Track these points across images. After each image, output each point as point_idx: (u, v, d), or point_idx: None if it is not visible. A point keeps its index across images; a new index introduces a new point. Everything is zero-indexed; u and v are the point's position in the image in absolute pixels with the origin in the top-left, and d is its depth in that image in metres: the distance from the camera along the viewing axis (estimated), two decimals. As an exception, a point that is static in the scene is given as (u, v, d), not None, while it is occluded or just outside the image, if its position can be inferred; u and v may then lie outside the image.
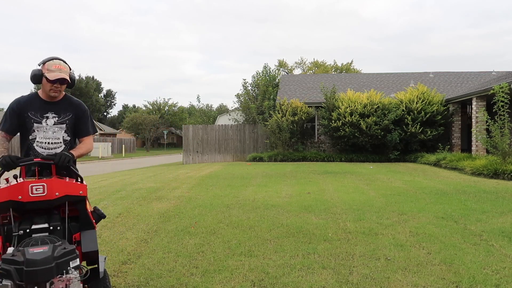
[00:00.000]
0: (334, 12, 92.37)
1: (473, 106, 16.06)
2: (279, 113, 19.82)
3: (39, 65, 2.90)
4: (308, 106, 20.36)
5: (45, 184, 2.47)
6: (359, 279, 3.48)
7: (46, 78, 2.85)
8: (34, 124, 2.89)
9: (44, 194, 2.46)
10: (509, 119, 12.14)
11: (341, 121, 18.45)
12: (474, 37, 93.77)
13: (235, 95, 31.51)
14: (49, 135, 2.91)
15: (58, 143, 2.94)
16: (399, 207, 6.60)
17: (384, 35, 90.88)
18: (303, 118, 19.92)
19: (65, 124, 2.97)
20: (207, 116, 35.14)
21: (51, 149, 2.92)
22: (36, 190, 2.45)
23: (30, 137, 2.88)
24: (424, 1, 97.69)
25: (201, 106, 37.52)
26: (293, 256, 4.16)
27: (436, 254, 4.14)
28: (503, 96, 12.00)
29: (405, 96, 18.81)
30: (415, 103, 18.30)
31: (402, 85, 22.75)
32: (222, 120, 36.58)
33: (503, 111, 12.02)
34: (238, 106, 27.79)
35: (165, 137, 57.67)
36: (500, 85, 12.38)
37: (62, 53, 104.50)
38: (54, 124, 2.92)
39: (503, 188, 8.82)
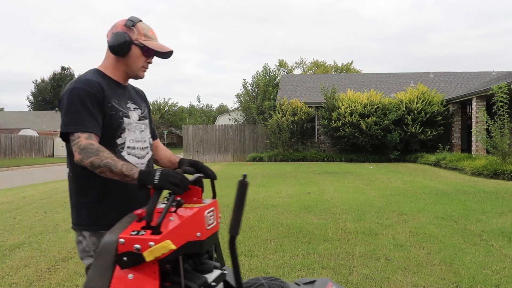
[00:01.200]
0: (334, 12, 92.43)
1: (473, 106, 16.06)
2: (279, 113, 19.82)
3: (127, 26, 1.82)
4: (308, 106, 20.36)
5: (213, 209, 1.85)
6: (359, 279, 3.48)
7: (143, 48, 1.86)
8: (124, 119, 1.83)
9: (214, 224, 1.80)
10: (508, 119, 12.14)
11: (341, 121, 18.45)
12: (474, 37, 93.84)
13: (235, 95, 31.58)
14: (137, 136, 1.89)
15: (146, 148, 1.94)
16: (399, 207, 6.60)
17: (384, 35, 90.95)
18: (303, 118, 19.92)
19: (148, 120, 2.01)
20: (207, 116, 35.17)
21: (141, 157, 1.90)
22: (209, 220, 1.77)
23: (119, 141, 1.80)
24: (424, 1, 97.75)
25: (201, 106, 37.61)
26: (293, 256, 4.16)
27: (436, 254, 4.14)
28: (502, 96, 12.01)
29: (405, 96, 18.82)
30: (415, 103, 18.30)
31: (402, 85, 22.75)
32: (222, 120, 36.59)
33: (503, 111, 12.03)
34: (238, 106, 27.80)
35: (165, 137, 57.65)
36: (499, 85, 12.38)
37: (62, 53, 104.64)
38: (138, 120, 1.92)
39: (503, 188, 8.82)
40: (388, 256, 4.09)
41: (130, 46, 1.81)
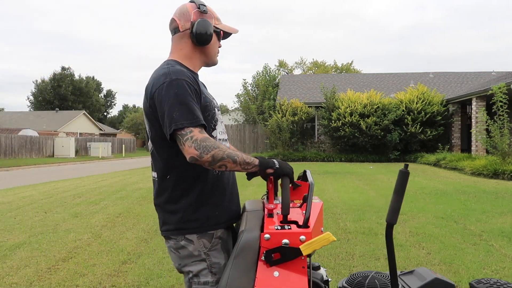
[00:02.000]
0: (335, 13, 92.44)
1: (473, 106, 16.06)
2: (279, 113, 19.82)
3: (203, 11, 1.68)
4: (308, 106, 20.36)
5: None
6: (359, 279, 3.48)
7: (219, 33, 1.77)
8: (216, 110, 1.76)
9: None
10: (508, 119, 12.15)
11: (341, 121, 18.45)
12: (474, 37, 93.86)
13: (235, 95, 31.61)
14: (222, 128, 1.82)
15: (227, 140, 1.86)
16: (399, 207, 6.59)
17: (384, 36, 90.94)
18: (303, 118, 19.92)
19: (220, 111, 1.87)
20: (207, 116, 35.14)
21: None
22: None
23: (214, 133, 1.71)
24: (425, 1, 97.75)
25: (201, 106, 37.53)
26: (293, 256, 4.16)
27: (436, 254, 4.14)
28: (501, 97, 12.01)
29: (405, 96, 18.82)
30: (415, 103, 18.31)
31: (402, 85, 22.76)
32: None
33: (502, 111, 12.03)
34: (238, 106, 27.82)
35: (165, 137, 57.69)
36: (498, 85, 12.39)
37: (63, 53, 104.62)
38: (218, 111, 1.82)
39: (503, 188, 8.82)
40: (388, 256, 4.09)
41: (212, 34, 1.69)
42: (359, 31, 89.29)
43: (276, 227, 1.50)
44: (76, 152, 34.21)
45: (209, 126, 1.66)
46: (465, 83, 22.69)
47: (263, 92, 24.64)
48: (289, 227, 1.49)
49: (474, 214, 6.01)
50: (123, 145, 41.53)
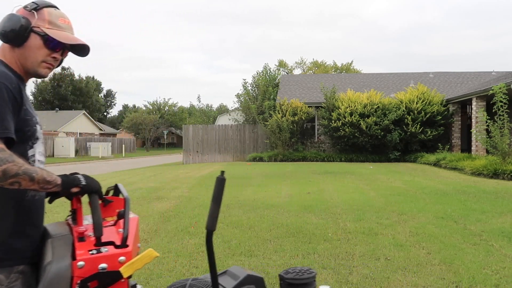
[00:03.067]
0: (335, 13, 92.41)
1: (473, 106, 16.06)
2: (279, 113, 19.82)
3: (28, 9, 1.49)
4: (308, 106, 20.36)
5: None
6: (359, 279, 3.48)
7: (45, 38, 1.48)
8: (37, 127, 1.52)
9: None
10: (508, 119, 12.15)
11: (341, 121, 18.45)
12: (474, 37, 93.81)
13: (235, 95, 31.62)
14: (42, 148, 1.57)
15: (43, 162, 1.58)
16: (399, 207, 6.60)
17: (385, 36, 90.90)
18: (303, 118, 19.92)
19: None
20: (207, 116, 35.17)
21: None
22: None
23: (30, 152, 1.48)
24: (425, 1, 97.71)
25: (201, 106, 37.56)
26: (293, 256, 4.16)
27: (436, 254, 4.14)
28: (501, 97, 12.01)
29: (405, 96, 18.82)
30: (415, 103, 18.30)
31: (402, 85, 22.75)
32: (222, 120, 36.58)
33: (502, 111, 12.03)
34: (238, 106, 27.80)
35: (165, 137, 57.69)
36: (499, 85, 12.39)
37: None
38: (41, 129, 1.58)
39: (503, 188, 8.82)
40: (388, 256, 4.09)
41: (26, 33, 1.44)
42: (359, 31, 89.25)
43: (91, 252, 1.34)
44: (76, 152, 34.21)
45: (26, 143, 1.45)
46: (465, 83, 22.68)
47: (263, 92, 24.62)
48: (106, 249, 1.36)
49: (474, 214, 6.01)
50: (123, 145, 41.54)
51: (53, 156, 31.76)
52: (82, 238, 1.39)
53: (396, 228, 5.24)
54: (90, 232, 1.41)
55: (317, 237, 4.85)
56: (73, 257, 1.34)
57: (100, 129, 49.86)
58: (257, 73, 26.99)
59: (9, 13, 1.47)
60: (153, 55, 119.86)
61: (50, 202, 1.51)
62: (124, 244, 1.38)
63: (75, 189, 1.44)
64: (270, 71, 26.74)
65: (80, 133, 43.32)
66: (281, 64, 50.10)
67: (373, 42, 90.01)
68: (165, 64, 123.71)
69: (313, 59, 55.38)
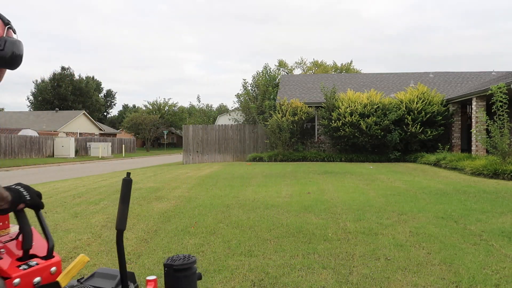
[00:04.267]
0: (335, 13, 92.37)
1: (473, 106, 16.06)
2: (279, 113, 19.82)
3: None
4: (308, 106, 20.35)
5: None
6: (359, 279, 3.48)
7: None
8: None
9: None
10: (508, 119, 12.15)
11: (341, 121, 18.45)
12: (474, 37, 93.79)
13: (235, 95, 31.56)
14: None
15: None
16: (399, 207, 6.60)
17: (385, 36, 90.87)
18: (303, 118, 19.92)
19: None
20: (207, 116, 35.14)
21: None
22: None
23: None
24: (425, 1, 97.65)
25: (201, 106, 37.51)
26: (293, 256, 4.16)
27: (436, 254, 4.14)
28: (501, 96, 12.01)
29: (405, 96, 18.82)
30: (415, 103, 18.31)
31: (402, 85, 22.75)
32: (222, 120, 36.58)
33: (502, 111, 12.03)
34: (238, 106, 27.79)
35: (165, 137, 57.70)
36: (497, 85, 12.38)
37: (63, 53, 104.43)
38: None
39: (503, 188, 8.82)
40: (388, 256, 4.09)
41: None
42: (359, 31, 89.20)
43: (22, 267, 1.27)
44: (76, 152, 34.19)
45: None
46: (465, 83, 22.68)
47: (263, 92, 24.62)
48: (34, 262, 1.32)
49: (474, 214, 6.01)
50: (123, 145, 41.53)
51: (53, 156, 31.75)
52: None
53: (396, 228, 5.24)
54: (4, 248, 1.32)
55: (317, 237, 4.85)
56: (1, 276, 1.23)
57: (100, 129, 49.85)
58: (257, 73, 27.00)
59: None
60: (153, 55, 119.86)
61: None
62: (50, 255, 1.35)
63: (21, 206, 1.37)
64: (270, 71, 26.74)
65: (80, 133, 43.31)
66: (281, 64, 50.09)
67: (373, 42, 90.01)
68: (165, 64, 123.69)
69: (313, 59, 55.39)
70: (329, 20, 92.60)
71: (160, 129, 54.03)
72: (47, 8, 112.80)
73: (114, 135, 53.15)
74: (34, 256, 1.34)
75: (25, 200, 1.37)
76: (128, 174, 1.45)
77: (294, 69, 51.99)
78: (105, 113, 71.29)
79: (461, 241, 4.60)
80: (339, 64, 52.49)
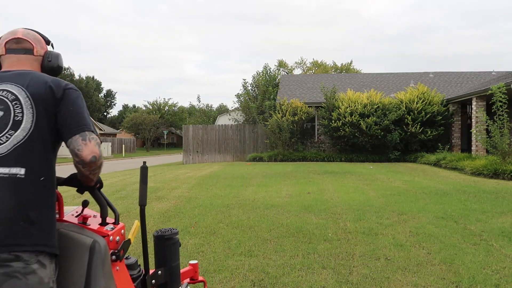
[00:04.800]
0: (335, 12, 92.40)
1: (473, 106, 16.06)
2: (279, 113, 19.82)
3: (51, 45, 1.88)
4: (308, 106, 20.35)
5: None
6: (359, 279, 3.48)
7: None
8: None
9: None
10: (508, 119, 12.14)
11: (341, 121, 18.45)
12: (474, 37, 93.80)
13: (235, 95, 31.58)
14: None
15: None
16: (399, 207, 6.60)
17: (385, 36, 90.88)
18: (303, 118, 19.92)
19: None
20: (207, 116, 35.15)
21: None
22: None
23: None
24: (425, 1, 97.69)
25: (201, 106, 37.55)
26: (293, 256, 4.16)
27: (436, 254, 4.14)
28: (501, 96, 12.01)
29: (405, 96, 18.82)
30: (415, 103, 18.30)
31: (402, 85, 22.75)
32: (222, 120, 36.56)
33: (502, 111, 12.03)
34: (238, 106, 27.79)
35: (165, 137, 57.66)
36: (497, 85, 12.38)
37: (63, 53, 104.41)
38: None
39: (503, 188, 8.82)
40: (388, 256, 4.09)
41: None
42: (359, 31, 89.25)
43: (109, 228, 1.66)
44: (76, 152, 34.16)
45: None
46: (465, 83, 22.68)
47: (263, 92, 24.62)
48: (111, 226, 1.69)
49: (474, 214, 6.01)
50: (123, 145, 41.53)
51: (53, 156, 31.75)
52: (85, 221, 1.67)
53: (396, 228, 5.24)
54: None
55: (317, 237, 4.85)
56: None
57: (100, 129, 49.84)
58: (257, 73, 27.00)
59: (57, 52, 1.83)
60: (153, 55, 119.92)
61: (82, 192, 1.74)
62: (117, 222, 1.74)
63: (98, 185, 1.72)
64: (270, 71, 26.74)
65: (80, 133, 43.26)
66: (281, 64, 50.07)
67: (373, 42, 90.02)
68: (165, 64, 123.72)
69: (313, 59, 55.39)
70: (329, 20, 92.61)
71: (160, 129, 54.00)
72: (47, 8, 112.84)
73: (114, 135, 53.14)
74: (107, 223, 1.70)
75: (101, 181, 1.72)
76: (144, 162, 1.81)
77: (294, 69, 52.00)
78: (105, 113, 71.28)
79: (461, 241, 4.60)
80: (339, 64, 52.50)
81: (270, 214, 6.20)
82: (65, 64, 62.29)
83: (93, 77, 65.63)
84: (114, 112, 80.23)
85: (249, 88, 26.57)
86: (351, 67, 51.47)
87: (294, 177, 11.34)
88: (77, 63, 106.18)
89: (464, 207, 6.54)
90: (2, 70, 1.66)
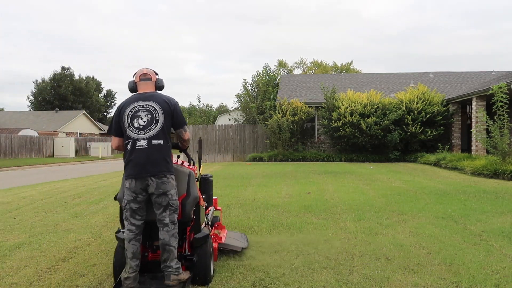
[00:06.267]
0: (335, 12, 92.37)
1: (473, 106, 16.06)
2: (279, 113, 19.82)
3: (156, 74, 3.57)
4: (308, 106, 20.36)
5: None
6: (359, 279, 3.48)
7: None
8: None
9: None
10: (508, 119, 12.14)
11: (341, 121, 18.45)
12: (474, 37, 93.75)
13: (235, 95, 31.53)
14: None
15: None
16: (399, 207, 6.60)
17: (385, 36, 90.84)
18: (303, 118, 19.92)
19: None
20: (207, 116, 35.12)
21: None
22: None
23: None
24: (425, 1, 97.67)
25: (201, 106, 37.49)
26: (293, 256, 4.16)
27: (436, 254, 4.14)
28: (501, 96, 12.01)
29: (405, 96, 18.82)
30: (415, 103, 18.31)
31: (402, 85, 22.76)
32: (222, 120, 36.56)
33: (502, 111, 12.03)
34: (238, 106, 27.76)
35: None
36: (498, 85, 12.38)
37: (63, 53, 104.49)
38: None
39: (503, 188, 8.82)
40: (388, 256, 4.09)
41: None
42: (359, 31, 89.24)
43: (191, 166, 3.76)
44: (76, 152, 34.19)
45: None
46: (465, 83, 22.69)
47: (263, 92, 24.60)
48: (192, 167, 3.71)
49: (474, 214, 6.01)
50: (123, 145, 41.44)
51: (53, 156, 31.75)
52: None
53: (396, 228, 5.25)
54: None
55: (317, 237, 4.85)
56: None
57: (100, 129, 49.84)
58: (257, 73, 26.95)
59: (160, 78, 3.57)
60: (154, 55, 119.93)
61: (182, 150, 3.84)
62: (193, 165, 4.01)
63: (187, 148, 3.88)
64: (270, 71, 26.71)
65: (80, 133, 43.32)
66: (281, 64, 50.09)
67: (373, 42, 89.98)
68: (165, 64, 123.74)
69: (313, 59, 55.39)
70: (329, 20, 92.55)
71: (160, 129, 53.95)
72: (47, 8, 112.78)
73: (114, 135, 53.04)
74: (189, 165, 3.81)
75: (187, 147, 3.95)
76: (200, 138, 2.90)
77: (294, 69, 52.02)
78: (105, 113, 71.25)
79: (461, 241, 4.60)
80: (339, 64, 52.51)
81: (270, 214, 6.20)
82: (65, 65, 62.21)
83: (93, 77, 65.61)
84: (114, 112, 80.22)
85: (249, 88, 26.54)
86: (351, 67, 51.48)
87: (294, 177, 11.33)
88: (77, 63, 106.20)
89: (464, 207, 6.54)
90: (140, 92, 3.38)
